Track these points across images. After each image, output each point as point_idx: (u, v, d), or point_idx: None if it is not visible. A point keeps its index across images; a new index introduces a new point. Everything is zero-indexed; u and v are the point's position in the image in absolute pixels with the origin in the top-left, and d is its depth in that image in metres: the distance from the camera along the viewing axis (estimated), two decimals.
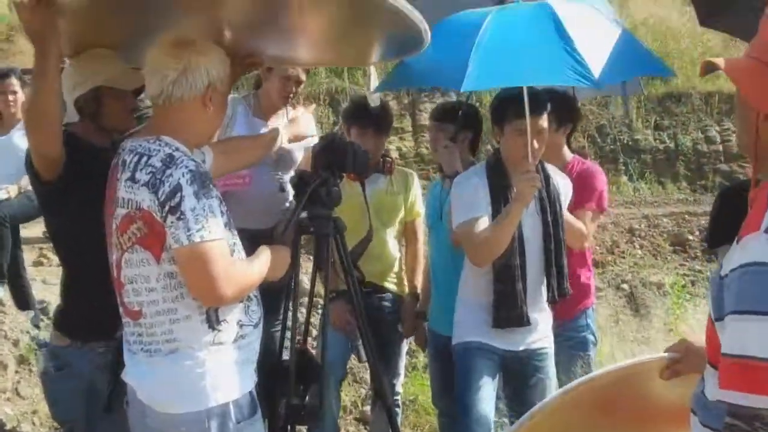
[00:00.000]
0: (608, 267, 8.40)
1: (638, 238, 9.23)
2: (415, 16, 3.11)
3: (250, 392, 2.93)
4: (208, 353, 2.82)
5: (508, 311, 3.84)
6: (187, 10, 3.06)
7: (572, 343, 4.37)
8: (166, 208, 2.67)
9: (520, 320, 3.85)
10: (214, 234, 2.70)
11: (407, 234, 4.83)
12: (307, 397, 3.46)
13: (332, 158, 3.53)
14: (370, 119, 4.52)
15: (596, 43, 3.74)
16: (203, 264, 2.69)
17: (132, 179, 2.76)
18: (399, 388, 4.91)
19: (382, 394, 3.78)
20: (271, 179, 4.49)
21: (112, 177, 2.88)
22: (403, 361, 4.97)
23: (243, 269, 2.86)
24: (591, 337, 4.52)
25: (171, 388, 2.85)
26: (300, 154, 4.66)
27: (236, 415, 2.83)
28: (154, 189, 2.69)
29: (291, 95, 4.52)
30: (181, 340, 2.81)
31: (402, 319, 4.72)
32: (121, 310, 2.93)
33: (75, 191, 3.14)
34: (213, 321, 2.82)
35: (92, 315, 3.20)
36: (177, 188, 2.67)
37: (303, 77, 4.53)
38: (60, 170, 3.12)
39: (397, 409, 4.77)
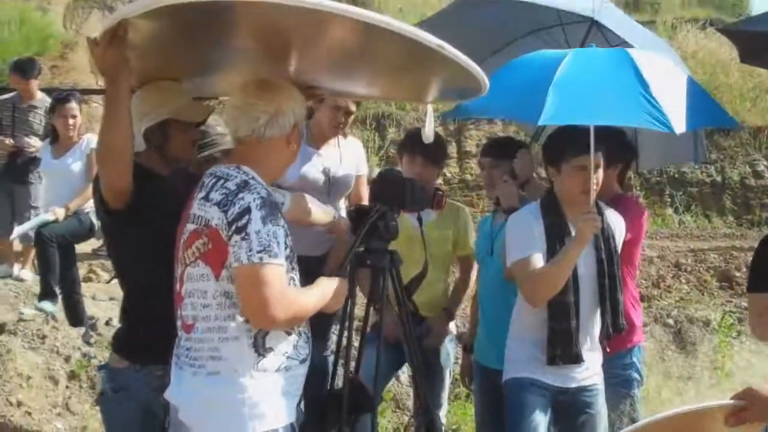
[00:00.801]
0: (654, 301, 8.35)
1: (684, 273, 9.16)
2: (476, 70, 3.15)
3: (292, 424, 2.97)
4: (251, 379, 2.87)
5: (563, 348, 3.84)
6: (254, 46, 3.13)
7: (618, 380, 4.34)
8: (233, 227, 2.79)
9: (574, 358, 3.85)
10: (274, 258, 2.79)
11: (462, 267, 4.91)
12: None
13: (390, 192, 3.58)
14: (421, 148, 4.58)
15: (670, 91, 3.84)
16: (259, 284, 2.77)
17: (206, 198, 2.90)
18: (443, 419, 4.92)
19: (428, 416, 3.80)
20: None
21: (189, 198, 3.00)
22: (446, 392, 4.99)
23: (298, 296, 2.94)
24: (636, 375, 4.49)
25: (211, 411, 2.91)
26: (351, 182, 4.73)
27: None
28: (225, 209, 2.82)
29: (341, 126, 4.59)
30: (226, 360, 2.87)
31: (431, 330, 4.64)
32: (178, 323, 3.01)
33: (140, 220, 3.22)
34: (260, 347, 2.88)
35: (151, 339, 3.24)
36: (246, 211, 2.79)
37: (353, 108, 4.63)
38: (128, 200, 3.18)
39: None
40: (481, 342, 4.62)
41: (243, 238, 2.78)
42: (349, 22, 2.67)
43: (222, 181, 2.91)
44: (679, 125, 3.74)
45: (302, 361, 3.02)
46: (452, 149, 12.10)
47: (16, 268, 7.92)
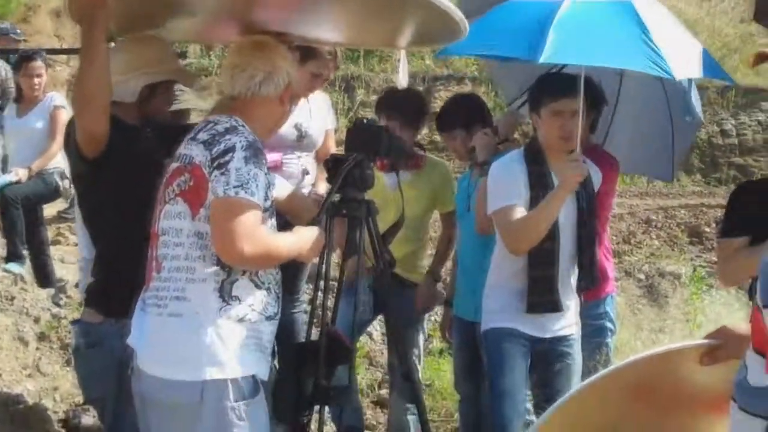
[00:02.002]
0: (625, 257, 8.42)
1: (654, 229, 9.23)
2: (455, 12, 3.13)
3: (254, 376, 2.94)
4: (212, 325, 2.85)
5: (543, 296, 3.85)
6: None
7: (591, 329, 4.37)
8: (215, 164, 2.83)
9: (554, 305, 3.86)
10: (249, 196, 2.80)
11: (444, 224, 4.93)
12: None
13: (366, 141, 3.54)
14: (398, 109, 4.54)
15: (670, 40, 3.85)
16: (230, 217, 2.79)
17: (193, 138, 2.96)
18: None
19: (408, 375, 3.79)
20: (297, 162, 4.53)
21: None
22: (421, 349, 5.01)
23: (269, 235, 2.94)
24: (609, 325, 4.55)
25: (168, 351, 2.90)
26: (321, 137, 4.70)
27: (234, 394, 2.86)
28: (210, 146, 2.87)
29: (315, 89, 4.57)
30: (190, 301, 2.87)
31: (417, 296, 4.76)
32: (151, 264, 2.99)
33: (114, 168, 3.23)
34: (226, 293, 2.88)
35: (125, 291, 3.21)
36: (230, 149, 2.83)
37: (332, 76, 4.61)
38: (102, 148, 3.20)
39: None
40: (460, 297, 4.64)
41: (222, 173, 2.81)
42: None
43: (212, 124, 2.97)
44: (679, 72, 3.77)
45: (268, 318, 3.00)
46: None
47: None
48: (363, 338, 6.22)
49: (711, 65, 4.19)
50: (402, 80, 3.77)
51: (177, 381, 2.85)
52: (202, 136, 2.93)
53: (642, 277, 7.89)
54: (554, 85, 3.86)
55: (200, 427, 2.84)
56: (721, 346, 2.50)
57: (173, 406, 2.88)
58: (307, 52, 4.12)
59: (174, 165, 2.97)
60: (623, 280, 7.79)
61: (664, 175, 5.47)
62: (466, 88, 12.16)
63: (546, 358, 3.96)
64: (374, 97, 12.74)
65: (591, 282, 3.99)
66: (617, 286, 7.73)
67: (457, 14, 3.15)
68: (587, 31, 3.85)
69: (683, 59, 3.84)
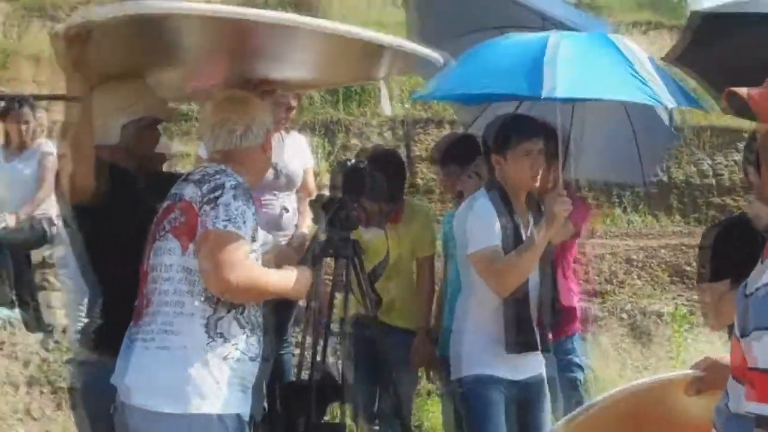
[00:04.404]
0: (608, 297, 8.50)
1: (636, 269, 9.32)
2: (433, 56, 3.34)
3: (238, 415, 2.98)
4: (199, 360, 2.90)
5: (520, 335, 3.79)
6: (209, 46, 3.36)
7: (564, 364, 4.49)
8: (205, 199, 2.92)
9: (532, 344, 3.82)
10: (237, 229, 2.88)
11: (419, 271, 4.85)
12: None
13: (351, 182, 3.65)
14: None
15: (648, 71, 3.94)
16: (217, 248, 2.86)
17: (185, 180, 3.07)
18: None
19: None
20: (276, 201, 4.68)
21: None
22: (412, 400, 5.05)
23: (256, 268, 3.00)
24: (576, 360, 4.66)
25: (154, 382, 2.93)
26: (299, 175, 4.84)
27: (220, 431, 2.91)
28: (201, 184, 2.96)
29: (283, 121, 4.66)
30: (177, 335, 2.92)
31: (414, 350, 4.71)
32: (142, 302, 3.05)
33: (111, 216, 3.27)
34: (211, 329, 2.93)
35: (119, 332, 3.20)
36: (220, 187, 2.93)
37: (294, 103, 4.79)
38: (93, 197, 3.24)
39: None
40: (448, 336, 4.62)
41: (212, 208, 2.90)
42: (294, 30, 2.98)
43: (202, 167, 3.14)
44: (667, 101, 3.89)
45: (252, 359, 3.04)
46: (401, 154, 12.16)
47: None
48: None
49: (686, 93, 4.32)
50: (385, 108, 3.92)
51: (164, 413, 2.89)
52: (194, 176, 3.05)
53: (625, 316, 7.98)
54: (522, 126, 3.87)
55: None
56: (704, 376, 2.52)
57: None
58: None
59: (165, 203, 3.07)
60: (607, 319, 7.88)
61: (634, 179, 5.56)
62: (446, 130, 12.29)
63: (524, 401, 3.93)
64: (354, 141, 12.91)
65: (554, 316, 3.98)
66: (601, 325, 7.91)
67: (432, 55, 3.33)
68: (580, 66, 3.90)
69: (663, 89, 3.92)
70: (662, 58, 4.89)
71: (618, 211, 11.99)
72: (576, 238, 4.57)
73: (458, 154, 4.70)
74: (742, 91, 2.02)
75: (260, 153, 3.23)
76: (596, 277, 8.73)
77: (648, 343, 7.64)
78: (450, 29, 4.79)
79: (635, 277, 9.20)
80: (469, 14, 4.95)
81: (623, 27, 15.65)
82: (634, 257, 9.48)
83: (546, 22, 4.58)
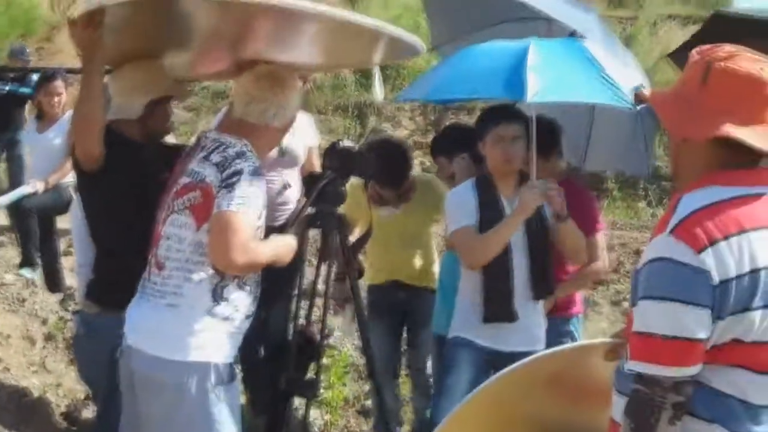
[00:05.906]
0: (611, 285, 8.63)
1: None
2: (416, 43, 3.56)
3: (230, 363, 3.31)
4: (202, 318, 3.21)
5: (497, 307, 4.08)
6: (213, 30, 3.53)
7: (554, 345, 4.65)
8: (224, 184, 3.16)
9: (508, 316, 4.08)
10: (248, 210, 3.15)
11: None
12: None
13: (340, 160, 3.93)
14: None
15: (618, 75, 4.18)
16: (229, 229, 3.11)
17: (206, 158, 3.28)
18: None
19: (370, 372, 4.17)
20: (278, 177, 4.92)
21: (188, 153, 3.42)
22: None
23: (257, 247, 3.27)
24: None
25: (160, 332, 3.25)
26: (303, 154, 5.11)
27: (215, 378, 3.22)
28: (221, 169, 3.19)
29: None
30: (185, 297, 3.22)
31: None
32: (152, 260, 3.35)
33: (110, 181, 3.60)
34: (218, 295, 3.23)
35: (118, 287, 3.56)
36: (239, 172, 3.17)
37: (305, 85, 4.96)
38: (100, 164, 3.57)
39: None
40: (437, 313, 4.90)
41: (228, 191, 3.14)
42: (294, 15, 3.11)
43: (223, 147, 3.27)
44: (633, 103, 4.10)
45: (246, 317, 3.36)
46: (431, 138, 12.34)
47: None
48: (353, 351, 6.52)
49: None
50: (378, 94, 4.15)
51: (165, 359, 3.20)
52: (215, 158, 3.24)
53: (624, 304, 8.12)
54: (495, 113, 4.21)
55: (183, 407, 3.19)
56: (622, 342, 2.72)
57: (160, 386, 3.23)
58: None
59: (186, 180, 3.30)
60: (605, 306, 8.05)
61: (640, 171, 5.81)
62: (477, 116, 12.41)
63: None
64: (386, 124, 13.14)
65: (545, 289, 4.22)
66: (600, 312, 8.07)
67: (417, 42, 3.57)
68: (558, 71, 4.14)
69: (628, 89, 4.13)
70: (668, 55, 5.06)
71: (643, 204, 12.12)
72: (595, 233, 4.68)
73: (445, 147, 5.01)
74: (646, 93, 2.30)
75: (278, 135, 3.48)
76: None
77: None
78: (459, 27, 5.03)
79: None
80: (475, 12, 5.28)
81: (661, 20, 15.73)
82: (643, 249, 9.55)
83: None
